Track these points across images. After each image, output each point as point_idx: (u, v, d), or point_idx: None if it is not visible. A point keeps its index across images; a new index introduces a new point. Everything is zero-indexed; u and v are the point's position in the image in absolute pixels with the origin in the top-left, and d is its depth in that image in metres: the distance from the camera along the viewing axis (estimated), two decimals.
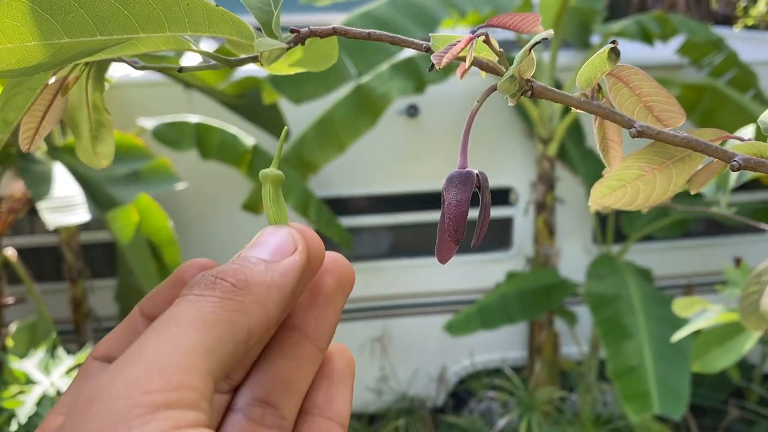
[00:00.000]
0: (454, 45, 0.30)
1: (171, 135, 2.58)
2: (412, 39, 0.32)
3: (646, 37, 2.97)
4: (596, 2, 3.28)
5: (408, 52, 2.80)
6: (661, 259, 3.35)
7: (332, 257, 0.32)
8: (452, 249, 0.34)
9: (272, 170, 0.33)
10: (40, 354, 1.99)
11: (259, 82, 2.59)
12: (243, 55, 0.31)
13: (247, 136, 2.70)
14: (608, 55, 0.34)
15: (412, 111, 3.02)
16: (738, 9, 7.25)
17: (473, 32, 0.33)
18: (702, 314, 1.12)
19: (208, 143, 2.61)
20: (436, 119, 3.06)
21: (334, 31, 0.31)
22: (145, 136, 2.62)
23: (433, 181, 3.19)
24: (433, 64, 0.31)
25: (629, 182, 0.39)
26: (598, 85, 0.36)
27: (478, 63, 0.34)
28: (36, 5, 0.24)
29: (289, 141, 2.88)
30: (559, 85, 3.10)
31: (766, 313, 0.84)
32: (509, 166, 3.23)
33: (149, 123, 2.57)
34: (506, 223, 3.32)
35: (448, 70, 2.80)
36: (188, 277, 0.32)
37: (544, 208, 3.10)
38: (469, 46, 0.31)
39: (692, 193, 0.40)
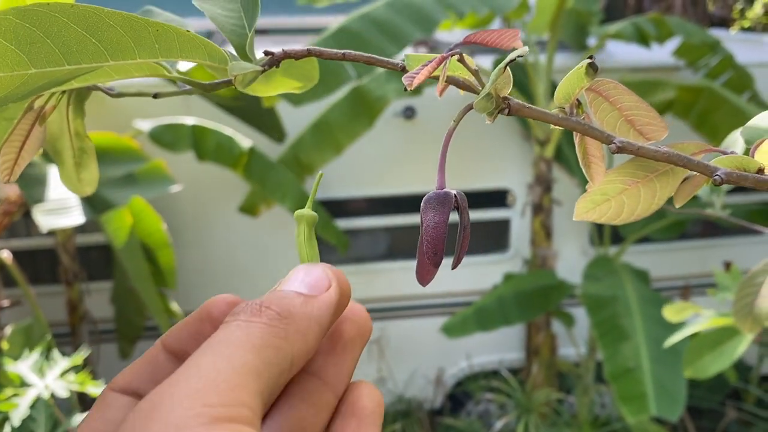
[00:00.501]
0: (426, 65, 0.30)
1: (167, 137, 2.58)
2: (386, 59, 0.32)
3: (643, 39, 2.97)
4: (593, 4, 3.28)
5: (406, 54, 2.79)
6: (658, 260, 3.35)
7: (352, 305, 0.33)
8: (432, 272, 0.34)
9: (308, 211, 0.34)
10: (34, 356, 1.98)
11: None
12: (217, 80, 0.31)
13: (244, 137, 2.70)
14: (586, 71, 0.34)
15: (409, 113, 3.02)
16: (734, 11, 7.25)
17: (449, 50, 0.33)
18: (694, 318, 1.12)
19: (204, 145, 2.61)
20: (433, 121, 3.06)
21: (309, 53, 0.31)
22: (141, 138, 2.62)
23: (430, 183, 3.19)
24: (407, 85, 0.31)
25: (613, 196, 0.39)
26: (578, 100, 0.36)
27: (453, 81, 0.34)
28: (0, 37, 0.24)
29: (286, 143, 2.88)
30: (555, 87, 3.10)
31: (761, 315, 0.84)
32: (506, 168, 3.23)
33: (145, 125, 2.57)
34: (503, 225, 3.31)
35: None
36: (216, 311, 0.32)
37: (541, 209, 3.10)
38: (442, 65, 0.31)
39: (677, 206, 0.40)
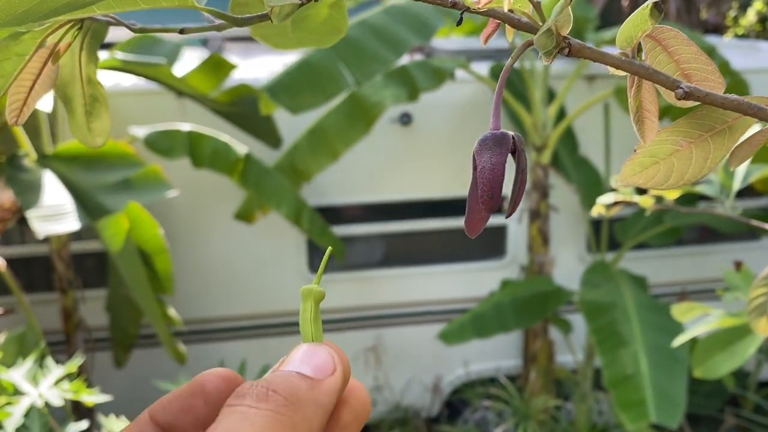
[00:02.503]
0: None
1: (163, 143, 2.56)
2: None
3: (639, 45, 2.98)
4: (589, 10, 3.29)
5: (402, 60, 2.79)
6: (656, 266, 3.35)
7: (353, 384, 0.33)
8: (484, 219, 0.31)
9: (316, 287, 0.33)
10: (28, 364, 1.96)
11: (253, 90, 2.57)
12: (251, 15, 0.29)
13: (240, 144, 2.69)
14: (650, 12, 0.32)
15: (406, 119, 3.01)
16: (728, 18, 7.30)
17: None
18: (701, 319, 1.11)
19: (200, 151, 2.60)
20: (430, 127, 3.06)
21: None
22: (136, 145, 2.60)
23: (426, 190, 3.18)
24: (461, 18, 0.29)
25: (663, 159, 0.37)
26: (638, 45, 0.34)
27: (509, 20, 0.32)
28: None
29: (282, 149, 2.87)
30: (552, 94, 3.10)
31: None
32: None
33: (141, 131, 2.55)
34: (500, 231, 3.31)
35: (441, 78, 2.80)
36: (211, 387, 0.31)
37: (538, 216, 3.09)
38: None
39: (731, 168, 0.38)
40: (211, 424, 0.27)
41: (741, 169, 0.86)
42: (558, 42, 0.31)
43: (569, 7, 0.30)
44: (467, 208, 0.30)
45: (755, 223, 0.93)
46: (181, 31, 0.31)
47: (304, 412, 0.28)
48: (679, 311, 1.05)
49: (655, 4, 0.31)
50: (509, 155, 0.32)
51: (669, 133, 0.36)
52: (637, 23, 0.32)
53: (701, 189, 1.05)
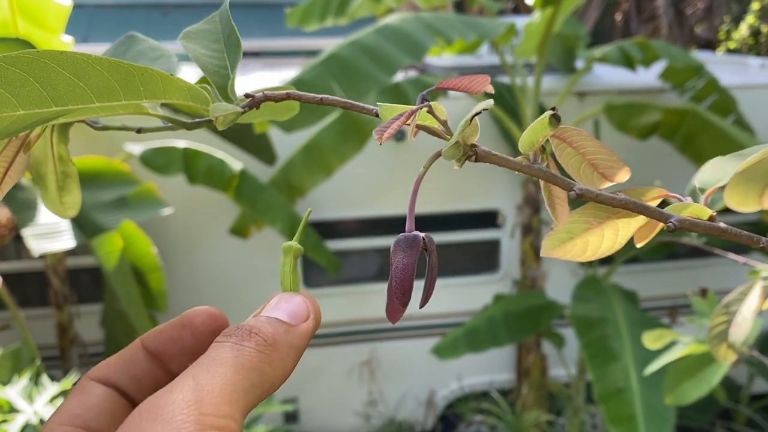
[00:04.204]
0: (397, 118, 0.32)
1: (158, 160, 2.59)
2: (363, 105, 0.34)
3: (628, 63, 3.02)
4: (580, 28, 3.33)
5: (397, 77, 2.83)
6: (647, 281, 3.37)
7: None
8: (401, 311, 0.35)
9: (296, 244, 0.37)
10: (23, 382, 1.98)
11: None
12: (198, 119, 0.33)
13: (234, 160, 2.72)
14: (549, 121, 0.35)
15: (399, 135, 3.04)
16: (721, 33, 7.36)
17: (420, 102, 0.34)
18: (674, 345, 1.14)
19: (195, 168, 2.63)
20: (423, 143, 3.07)
21: (288, 96, 0.33)
22: (132, 162, 2.63)
23: (420, 205, 3.21)
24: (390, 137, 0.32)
25: (578, 235, 0.41)
26: (543, 146, 0.38)
27: (425, 129, 0.35)
28: None
29: (277, 165, 2.90)
30: (543, 110, 3.13)
31: (735, 343, 0.86)
32: (495, 189, 3.25)
33: (137, 148, 2.58)
34: (494, 246, 3.33)
35: (434, 95, 2.83)
36: (198, 321, 0.35)
37: (530, 230, 3.12)
38: (412, 117, 0.33)
39: (637, 246, 0.42)
40: (200, 355, 0.30)
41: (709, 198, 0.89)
42: (465, 151, 0.35)
43: (476, 118, 0.33)
44: (387, 299, 0.35)
45: (717, 251, 0.96)
46: (138, 131, 0.34)
47: (281, 353, 0.31)
48: (649, 339, 1.07)
49: (552, 115, 0.34)
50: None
51: (581, 214, 0.40)
52: (538, 131, 0.36)
53: None
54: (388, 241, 3.21)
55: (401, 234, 0.35)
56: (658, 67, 3.23)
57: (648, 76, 3.28)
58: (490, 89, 0.35)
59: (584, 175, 0.38)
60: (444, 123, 0.35)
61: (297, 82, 2.43)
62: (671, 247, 3.25)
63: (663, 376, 2.43)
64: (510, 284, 3.32)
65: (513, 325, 2.96)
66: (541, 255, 0.42)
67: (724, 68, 3.51)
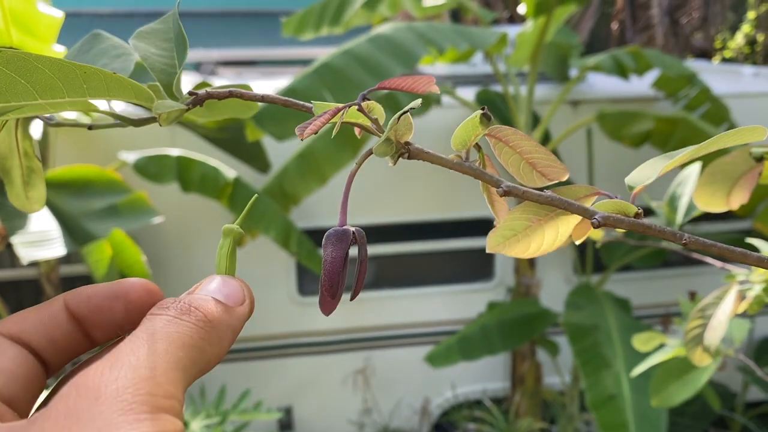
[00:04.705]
0: (321, 116, 0.33)
1: (152, 168, 2.60)
2: (300, 102, 0.35)
3: (621, 71, 3.03)
4: (573, 37, 3.35)
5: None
6: (640, 288, 3.38)
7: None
8: (332, 303, 0.36)
9: (236, 227, 0.37)
10: None
11: (241, 118, 2.62)
12: (146, 116, 0.33)
13: (228, 168, 2.73)
14: (480, 120, 0.36)
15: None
16: (716, 42, 7.39)
17: (361, 98, 0.35)
18: (662, 348, 1.14)
19: (189, 176, 2.63)
20: None
21: (230, 94, 0.33)
22: (125, 170, 2.64)
23: (415, 212, 3.22)
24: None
25: (520, 232, 0.41)
26: (478, 144, 0.38)
27: (358, 126, 0.36)
28: None
29: (271, 173, 2.90)
30: (537, 119, 3.15)
31: (710, 346, 0.86)
32: None
33: (130, 156, 2.59)
34: (488, 254, 3.33)
35: (428, 103, 2.85)
36: (134, 294, 0.33)
37: None
38: (341, 114, 0.33)
39: (576, 243, 0.43)
40: (127, 329, 0.29)
41: (684, 204, 0.90)
42: (398, 148, 0.35)
43: (408, 115, 0.34)
44: (320, 292, 0.35)
45: (696, 256, 0.97)
46: (90, 128, 0.35)
47: (219, 332, 0.31)
48: (639, 341, 1.08)
49: (483, 114, 0.35)
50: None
51: (521, 211, 0.41)
52: (469, 129, 0.36)
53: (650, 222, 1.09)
54: (382, 249, 3.22)
55: (332, 228, 0.36)
56: (651, 75, 3.25)
57: (641, 84, 3.29)
58: (435, 89, 0.36)
59: (524, 173, 0.39)
60: (375, 121, 0.36)
61: (289, 91, 2.45)
62: (665, 255, 3.25)
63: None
64: (504, 292, 3.32)
65: (507, 333, 2.96)
66: (487, 251, 0.43)
67: (718, 77, 3.53)
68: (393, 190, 3.15)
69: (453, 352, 2.90)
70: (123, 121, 0.34)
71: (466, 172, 0.37)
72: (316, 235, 3.09)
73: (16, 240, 1.86)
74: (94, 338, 0.33)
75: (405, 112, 0.34)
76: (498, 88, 3.19)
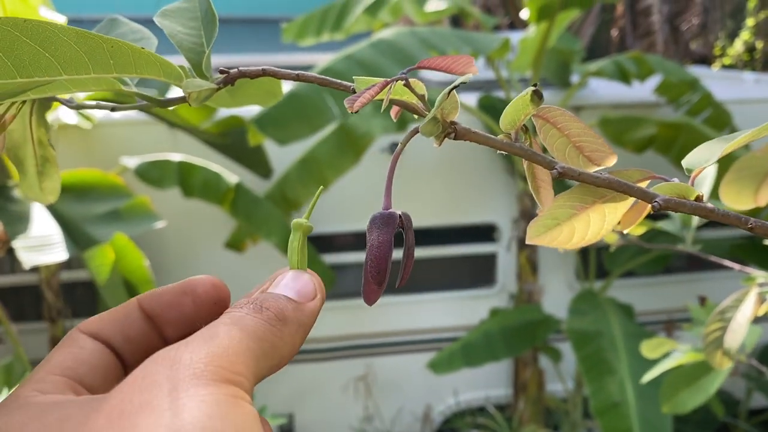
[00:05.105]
0: (369, 89, 0.31)
1: (153, 173, 2.59)
2: (339, 81, 0.33)
3: (623, 77, 3.03)
4: (575, 43, 3.35)
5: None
6: (643, 294, 3.36)
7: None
8: (377, 291, 0.34)
9: (305, 221, 0.37)
10: None
11: (243, 122, 2.61)
12: (173, 97, 0.32)
13: (230, 174, 2.71)
14: (531, 98, 0.34)
15: (393, 148, 3.04)
16: (716, 49, 7.41)
17: (397, 76, 0.34)
18: (671, 354, 1.13)
19: (190, 181, 2.62)
20: (419, 156, 3.09)
21: (263, 72, 0.32)
22: (127, 175, 2.63)
23: (416, 218, 3.20)
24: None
25: (564, 221, 0.40)
26: (525, 126, 0.37)
27: (401, 104, 0.35)
28: None
29: (272, 179, 2.89)
30: None
31: (731, 350, 0.85)
32: (491, 203, 3.25)
33: (132, 162, 2.58)
34: (490, 260, 3.32)
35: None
36: (201, 289, 0.35)
37: (526, 244, 3.11)
38: (387, 89, 0.32)
39: (624, 231, 0.41)
40: (197, 325, 0.30)
41: None
42: (444, 127, 0.34)
43: (455, 93, 0.32)
44: (363, 280, 0.34)
45: (715, 259, 0.95)
46: (113, 110, 0.34)
47: (289, 329, 0.31)
48: (648, 347, 1.06)
49: (534, 92, 0.33)
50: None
51: (566, 198, 0.39)
52: (519, 108, 0.35)
53: (662, 225, 1.08)
54: None
55: (377, 211, 0.34)
56: (653, 81, 3.25)
57: (643, 90, 3.29)
58: (474, 71, 0.34)
59: (570, 158, 0.37)
60: (422, 98, 0.34)
61: (291, 96, 2.44)
62: (668, 260, 3.24)
63: (658, 389, 2.42)
64: (506, 298, 3.31)
65: (509, 340, 2.95)
66: (527, 242, 0.41)
67: (719, 83, 3.53)
68: (395, 196, 3.10)
69: (456, 358, 2.88)
70: (149, 101, 0.33)
71: (517, 152, 0.35)
72: (317, 241, 3.08)
73: (17, 244, 1.84)
74: (167, 336, 0.35)
75: (454, 88, 0.32)
76: (500, 93, 3.18)
